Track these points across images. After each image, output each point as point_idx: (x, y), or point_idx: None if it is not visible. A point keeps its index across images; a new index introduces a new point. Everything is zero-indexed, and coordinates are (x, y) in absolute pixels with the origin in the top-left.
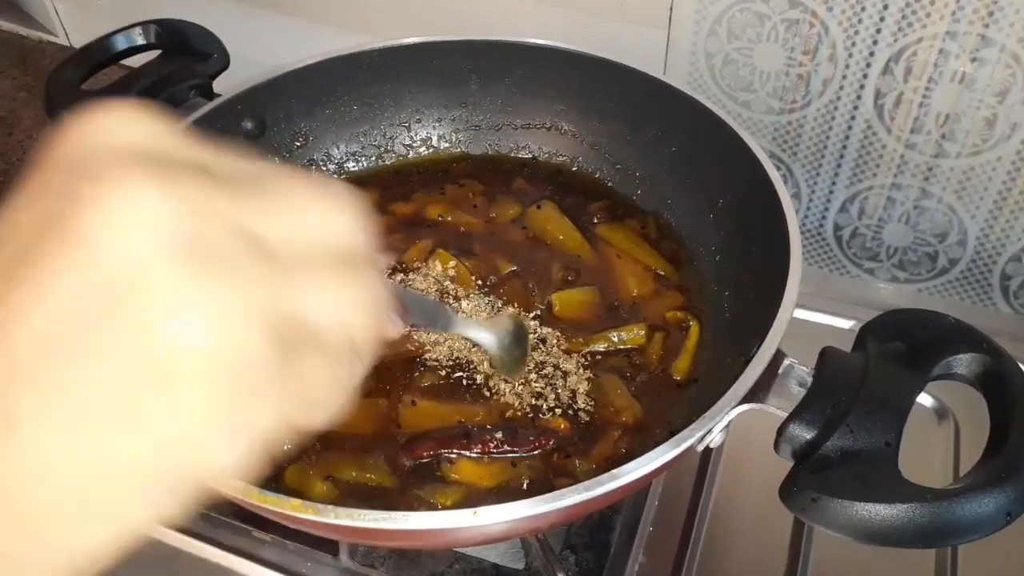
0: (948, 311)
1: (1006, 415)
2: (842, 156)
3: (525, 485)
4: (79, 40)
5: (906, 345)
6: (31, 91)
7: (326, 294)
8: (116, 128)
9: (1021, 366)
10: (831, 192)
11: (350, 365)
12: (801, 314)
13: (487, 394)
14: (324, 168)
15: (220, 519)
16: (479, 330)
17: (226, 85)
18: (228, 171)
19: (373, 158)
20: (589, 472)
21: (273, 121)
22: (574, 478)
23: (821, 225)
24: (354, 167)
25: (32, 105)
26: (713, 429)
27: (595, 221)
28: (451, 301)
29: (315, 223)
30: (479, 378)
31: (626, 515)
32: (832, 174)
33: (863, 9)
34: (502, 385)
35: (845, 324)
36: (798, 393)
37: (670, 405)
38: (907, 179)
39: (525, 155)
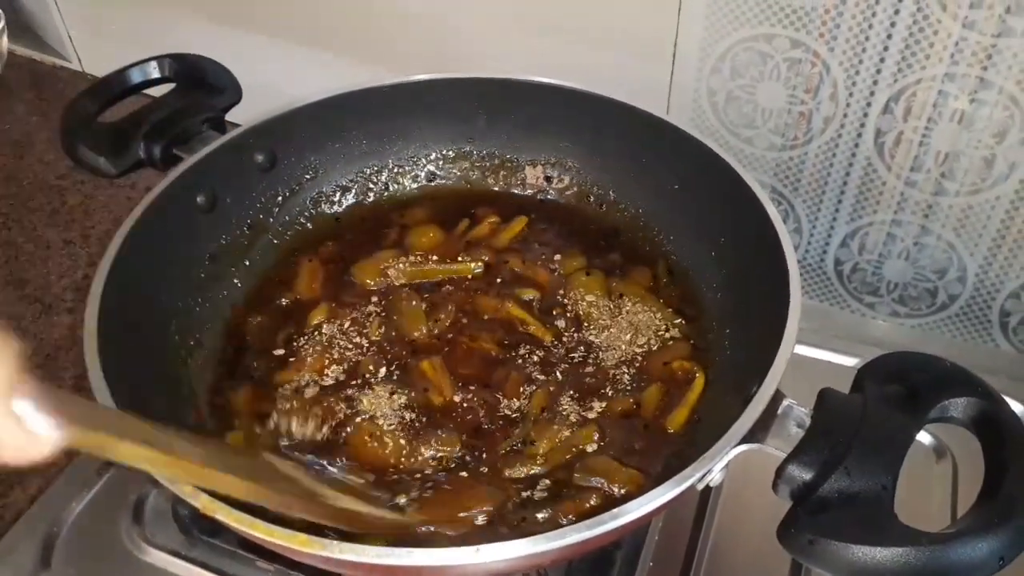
0: (948, 347)
1: (1001, 460)
2: (843, 192)
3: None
4: (91, 65)
5: (903, 387)
6: (44, 115)
7: None
8: None
9: (1020, 406)
10: (832, 227)
11: None
12: (803, 351)
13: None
14: (333, 199)
15: (225, 548)
16: None
17: (238, 113)
18: None
19: (383, 192)
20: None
21: (284, 154)
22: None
23: (822, 260)
24: (363, 200)
25: (45, 128)
26: (712, 469)
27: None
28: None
29: None
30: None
31: (626, 550)
32: (833, 210)
33: (864, 50)
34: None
35: (847, 361)
36: (796, 434)
37: (663, 456)
38: (907, 216)
39: (529, 191)
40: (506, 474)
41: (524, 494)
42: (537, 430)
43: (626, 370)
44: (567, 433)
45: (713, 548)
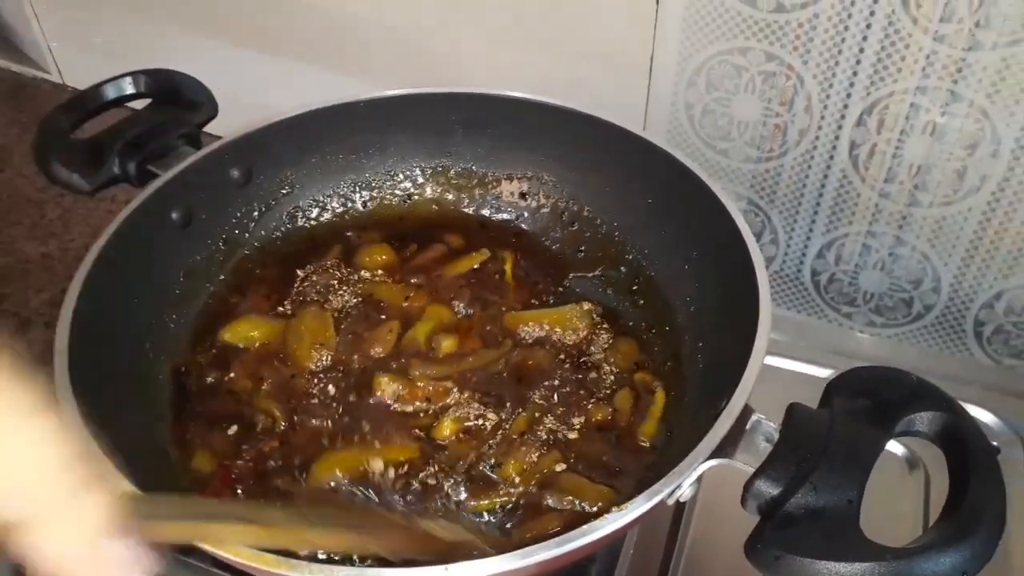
0: (924, 357)
1: (965, 473)
2: (819, 204)
3: None
4: (72, 78)
5: (870, 402)
6: (23, 127)
7: None
8: None
9: (992, 416)
10: (808, 238)
11: None
12: (779, 362)
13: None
14: (309, 215)
15: (199, 566)
16: None
17: (217, 127)
18: None
19: (359, 205)
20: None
21: (260, 170)
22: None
23: (799, 270)
24: (339, 214)
25: (24, 141)
26: (682, 484)
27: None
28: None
29: None
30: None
31: (600, 565)
32: (809, 221)
33: (837, 63)
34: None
35: (822, 373)
36: (765, 449)
37: (637, 469)
38: (882, 227)
39: (505, 202)
40: (471, 504)
41: (489, 518)
42: (505, 453)
43: (603, 375)
44: (535, 457)
45: (687, 562)
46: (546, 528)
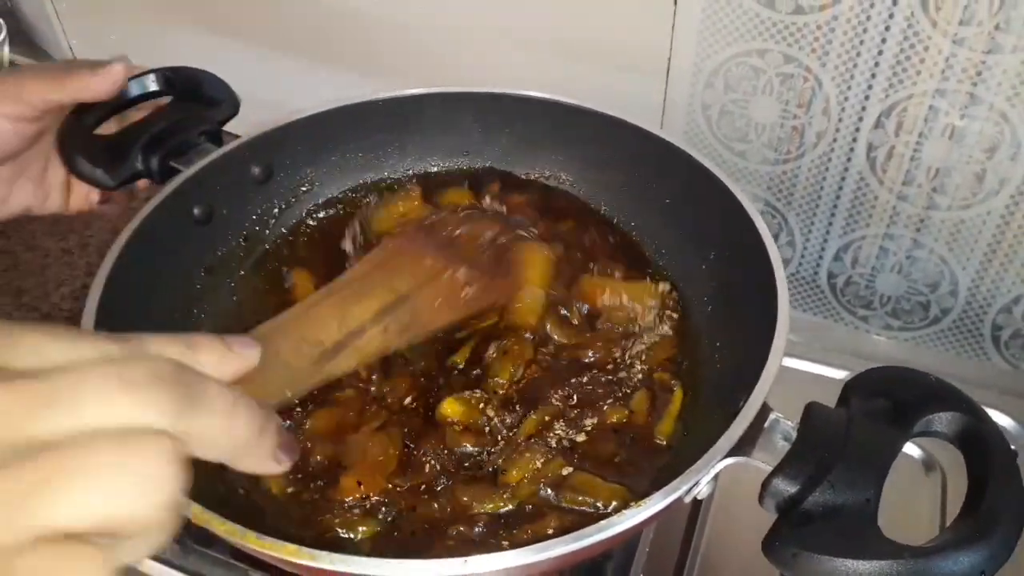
0: (941, 361)
1: (983, 474)
2: (836, 206)
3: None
4: None
5: (888, 402)
6: None
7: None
8: None
9: (1010, 420)
10: (825, 241)
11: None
12: (796, 363)
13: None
14: (329, 212)
15: (218, 558)
16: None
17: (235, 126)
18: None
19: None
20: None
21: (280, 167)
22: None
23: (816, 273)
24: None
25: None
26: (700, 482)
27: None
28: None
29: (94, 410)
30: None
31: (616, 562)
32: (826, 223)
33: (855, 66)
34: None
35: (838, 374)
36: (783, 447)
37: (651, 468)
38: (899, 230)
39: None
40: (475, 509)
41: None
42: (509, 459)
43: (632, 374)
44: (539, 464)
45: (703, 560)
46: (543, 530)
